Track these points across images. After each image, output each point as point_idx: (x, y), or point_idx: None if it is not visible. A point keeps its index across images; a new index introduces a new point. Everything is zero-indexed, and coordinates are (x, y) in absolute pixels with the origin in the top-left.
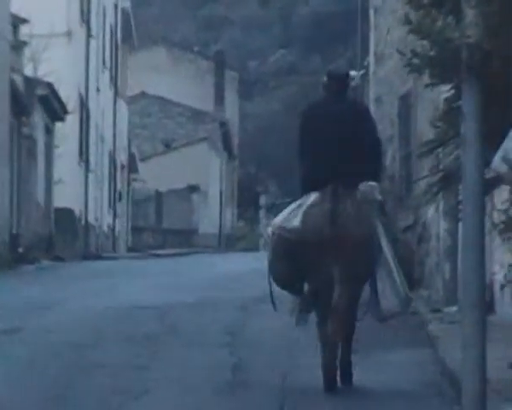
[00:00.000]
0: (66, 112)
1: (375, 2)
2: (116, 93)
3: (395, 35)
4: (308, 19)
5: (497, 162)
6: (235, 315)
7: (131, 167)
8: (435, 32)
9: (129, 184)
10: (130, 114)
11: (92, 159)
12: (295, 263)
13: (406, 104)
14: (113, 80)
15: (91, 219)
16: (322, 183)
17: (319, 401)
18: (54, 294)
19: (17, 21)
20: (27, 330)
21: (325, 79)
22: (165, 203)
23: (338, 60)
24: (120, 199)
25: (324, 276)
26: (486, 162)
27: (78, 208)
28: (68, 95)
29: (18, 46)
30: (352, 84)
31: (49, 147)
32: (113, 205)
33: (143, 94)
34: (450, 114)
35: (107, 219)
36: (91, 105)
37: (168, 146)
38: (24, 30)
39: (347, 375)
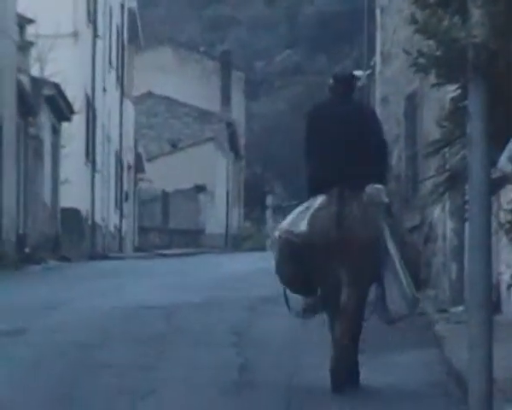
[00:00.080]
0: (72, 112)
1: (382, 1)
2: (122, 93)
3: (401, 35)
4: (314, 19)
5: (504, 162)
6: (241, 315)
7: (138, 167)
8: (441, 31)
9: (135, 184)
10: (137, 114)
11: (99, 159)
12: (302, 266)
13: (412, 104)
14: (120, 80)
15: (98, 219)
16: (328, 184)
17: (325, 402)
18: (60, 294)
19: (23, 22)
20: (34, 330)
21: (331, 81)
22: (172, 203)
23: (344, 59)
24: (127, 199)
25: (332, 279)
26: (492, 162)
27: (84, 208)
28: (75, 95)
29: (24, 46)
30: (359, 84)
31: (56, 147)
32: (119, 205)
33: (150, 94)
34: (457, 114)
35: (114, 219)
36: (98, 105)
37: (175, 146)
38: (30, 30)
39: (354, 375)
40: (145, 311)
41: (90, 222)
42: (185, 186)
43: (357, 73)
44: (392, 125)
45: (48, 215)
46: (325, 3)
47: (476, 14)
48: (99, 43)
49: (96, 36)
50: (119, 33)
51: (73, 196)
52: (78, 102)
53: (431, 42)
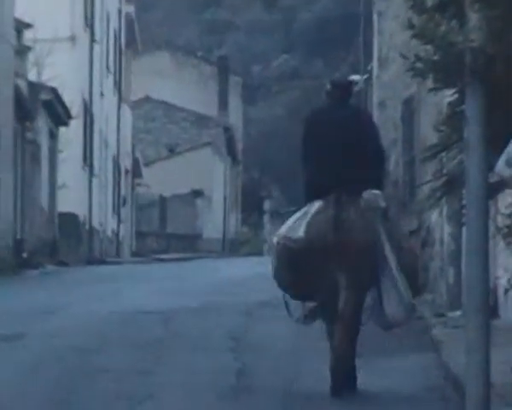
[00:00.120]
0: (69, 117)
1: (379, 6)
2: (120, 98)
3: (398, 39)
4: (311, 23)
5: (501, 166)
6: (239, 320)
7: (135, 172)
8: (439, 36)
9: (133, 189)
10: (134, 119)
11: (96, 164)
12: (301, 272)
13: (410, 108)
14: (117, 85)
15: (95, 223)
16: (325, 190)
17: (323, 406)
18: (58, 299)
19: (21, 26)
20: (31, 334)
21: (328, 86)
22: (169, 208)
23: (341, 64)
24: (124, 204)
25: (329, 283)
26: (490, 166)
27: (82, 213)
28: (72, 100)
29: (22, 51)
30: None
31: (53, 152)
32: (117, 210)
33: (147, 99)
34: (454, 119)
35: (111, 224)
36: (95, 110)
37: (172, 151)
38: (28, 35)
39: (351, 379)
40: (143, 316)
41: (87, 227)
42: (183, 191)
43: (355, 77)
44: (389, 129)
45: (45, 220)
46: (322, 8)
47: (473, 18)
48: (96, 47)
49: (93, 40)
50: (117, 38)
51: (71, 200)
52: (75, 107)
53: (428, 46)
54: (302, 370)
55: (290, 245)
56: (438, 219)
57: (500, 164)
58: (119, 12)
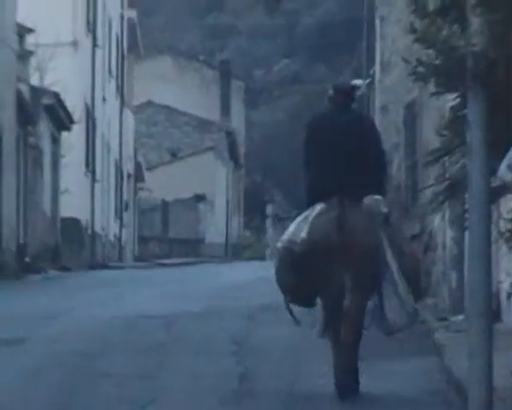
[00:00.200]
0: (72, 121)
1: (381, 11)
2: (122, 102)
3: (401, 44)
4: (313, 28)
5: (503, 171)
6: (241, 324)
7: (138, 177)
8: (440, 40)
9: (135, 194)
10: (137, 124)
11: (98, 168)
12: (304, 275)
13: (412, 113)
14: (119, 90)
15: (98, 228)
16: (327, 194)
17: (325, 409)
18: (60, 303)
19: (23, 31)
20: (34, 339)
21: (331, 91)
22: (172, 213)
23: (343, 69)
24: (127, 208)
25: (334, 285)
26: (492, 171)
27: (84, 218)
28: (74, 104)
29: (24, 56)
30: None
31: (56, 156)
32: (119, 214)
33: (150, 103)
34: (456, 123)
35: (114, 229)
36: (97, 114)
37: (174, 155)
38: (30, 39)
39: (354, 382)
40: (145, 320)
41: (89, 231)
42: (185, 195)
43: (357, 82)
44: (391, 133)
45: (48, 225)
46: (324, 13)
47: (475, 22)
48: (98, 52)
49: (95, 45)
50: (119, 42)
51: (73, 205)
52: (77, 112)
53: (430, 51)
54: (304, 373)
55: (293, 248)
56: (440, 224)
57: (502, 168)
58: (121, 17)
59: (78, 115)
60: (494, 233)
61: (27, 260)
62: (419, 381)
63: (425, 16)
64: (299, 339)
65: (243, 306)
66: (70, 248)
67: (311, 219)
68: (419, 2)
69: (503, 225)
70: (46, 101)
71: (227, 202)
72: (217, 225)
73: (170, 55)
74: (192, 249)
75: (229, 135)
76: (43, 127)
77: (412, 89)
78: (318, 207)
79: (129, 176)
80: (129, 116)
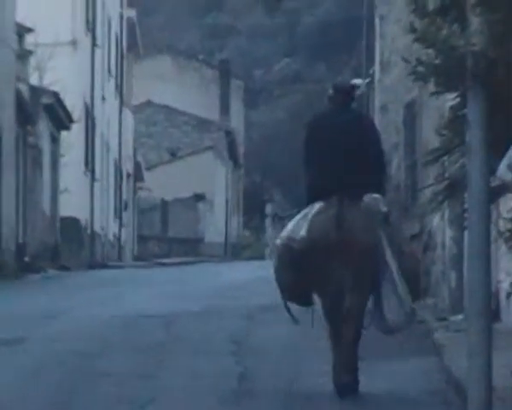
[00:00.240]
0: (71, 121)
1: (381, 10)
2: (121, 102)
3: (400, 43)
4: (313, 27)
5: (503, 170)
6: (240, 324)
7: (137, 176)
8: (440, 40)
9: (135, 193)
10: (136, 123)
11: (98, 168)
12: (302, 273)
13: (411, 112)
14: (119, 89)
15: (97, 228)
16: (327, 193)
17: (325, 409)
18: (60, 303)
19: (22, 30)
20: (33, 339)
21: (331, 91)
22: (171, 212)
23: (343, 68)
24: (126, 208)
25: (333, 283)
26: (492, 170)
27: (83, 217)
28: (74, 104)
29: (23, 55)
30: (358, 92)
31: (55, 156)
32: (118, 214)
33: (149, 103)
34: (456, 122)
35: (113, 228)
36: (97, 114)
37: (174, 155)
38: (29, 39)
39: (354, 382)
40: (144, 320)
41: (89, 231)
42: (184, 195)
43: (357, 81)
44: (391, 133)
45: (47, 224)
46: (325, 12)
47: (475, 22)
48: (98, 51)
49: (94, 44)
50: (118, 42)
51: (73, 205)
52: (77, 111)
53: (430, 50)
54: (304, 372)
55: (292, 245)
56: (440, 223)
57: (502, 168)
58: (121, 16)
59: (77, 115)
60: (493, 233)
61: (27, 259)
62: (418, 381)
63: (425, 16)
64: (299, 338)
65: (242, 305)
66: (69, 247)
67: (310, 216)
68: (419, 1)
69: (502, 225)
70: (45, 100)
71: (226, 202)
72: (216, 224)
73: (169, 55)
74: (191, 249)
75: (229, 134)
76: (43, 127)
77: (412, 88)
78: (317, 205)
79: (128, 175)
80: (128, 116)
